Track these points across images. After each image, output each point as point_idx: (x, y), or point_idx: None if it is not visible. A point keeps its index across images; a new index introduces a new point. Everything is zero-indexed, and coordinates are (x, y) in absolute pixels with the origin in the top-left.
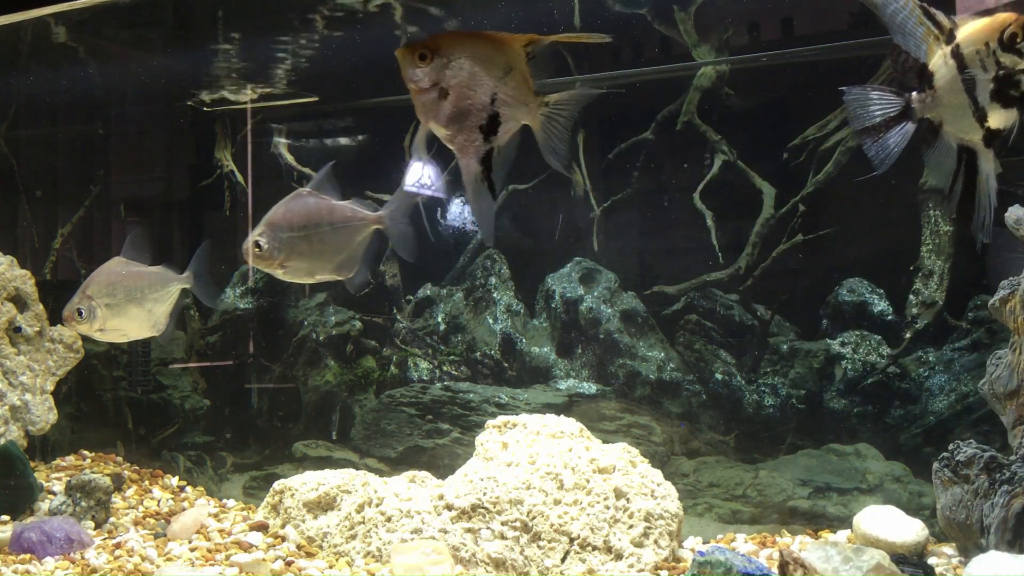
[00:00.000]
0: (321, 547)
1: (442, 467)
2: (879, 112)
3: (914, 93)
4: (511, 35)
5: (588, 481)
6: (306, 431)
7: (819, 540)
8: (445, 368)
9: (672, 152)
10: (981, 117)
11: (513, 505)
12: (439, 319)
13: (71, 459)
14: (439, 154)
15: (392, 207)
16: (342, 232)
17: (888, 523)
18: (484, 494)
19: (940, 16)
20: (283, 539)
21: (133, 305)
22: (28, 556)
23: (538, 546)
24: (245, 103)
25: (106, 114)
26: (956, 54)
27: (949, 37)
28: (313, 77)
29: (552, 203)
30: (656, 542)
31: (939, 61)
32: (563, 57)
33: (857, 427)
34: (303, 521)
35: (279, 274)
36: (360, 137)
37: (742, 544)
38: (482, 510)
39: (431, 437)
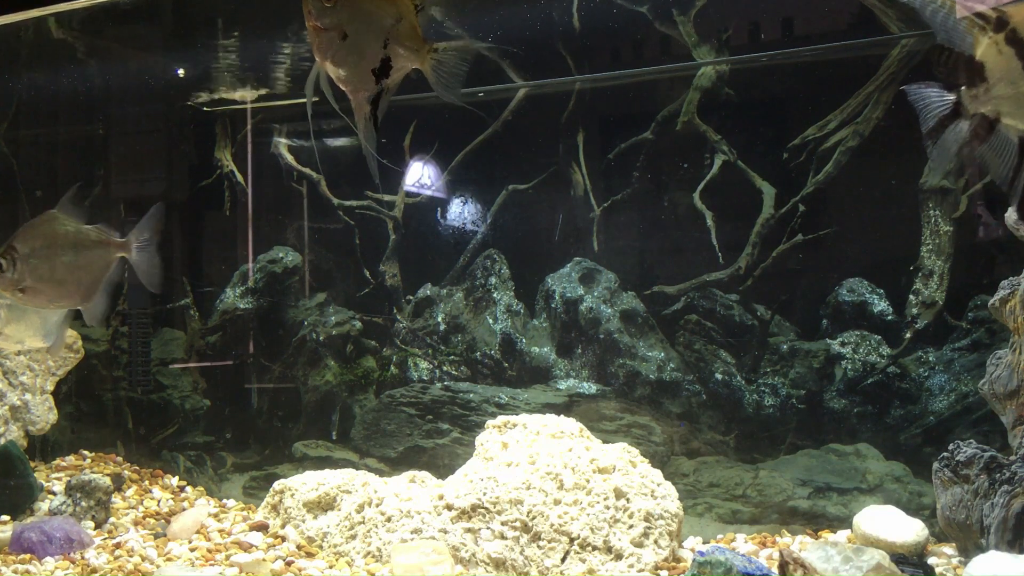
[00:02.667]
0: (321, 547)
1: (442, 467)
2: (935, 111)
3: (963, 88)
4: None
5: (588, 481)
6: (306, 431)
7: (819, 540)
8: (445, 368)
9: (672, 152)
10: None
11: (513, 505)
12: (439, 319)
13: (71, 459)
14: (437, 155)
15: (139, 233)
16: (85, 257)
17: (888, 523)
18: (484, 494)
19: (982, 6)
20: (283, 539)
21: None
22: (28, 556)
23: (538, 546)
24: (245, 103)
25: (106, 114)
26: (1014, 39)
27: (998, 25)
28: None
29: (552, 203)
30: (656, 542)
31: (990, 51)
32: (563, 57)
33: (857, 427)
34: (303, 521)
35: (18, 298)
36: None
37: (742, 544)
38: (482, 510)
39: (431, 437)
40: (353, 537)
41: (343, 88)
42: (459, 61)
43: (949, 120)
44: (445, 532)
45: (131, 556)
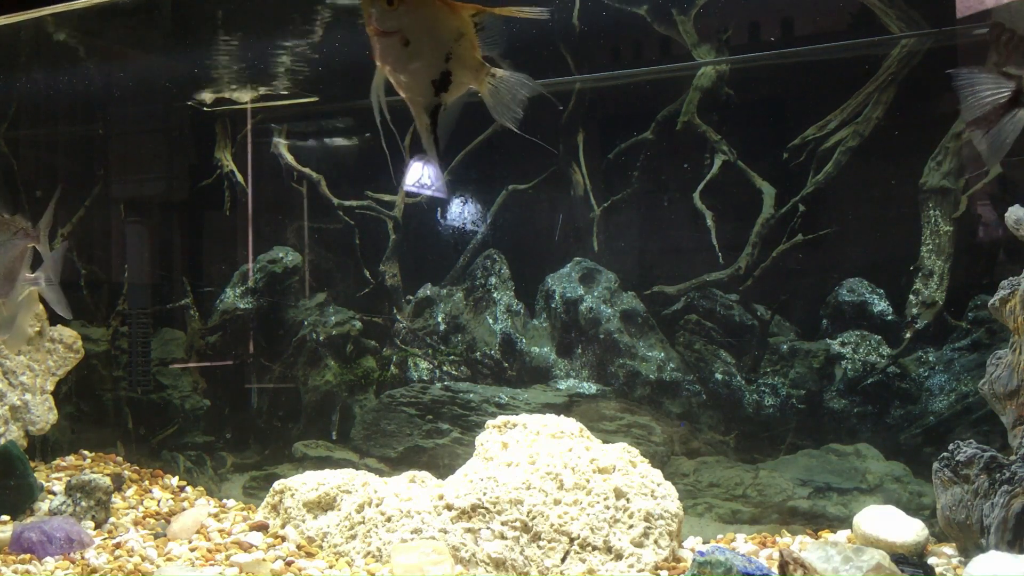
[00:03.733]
0: (321, 547)
1: (442, 467)
2: (989, 98)
3: None
4: (460, 3)
5: (588, 481)
6: (306, 431)
7: (819, 540)
8: (445, 368)
9: (672, 152)
10: None
11: (513, 505)
12: (439, 319)
13: (71, 459)
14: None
15: (46, 221)
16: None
17: (888, 523)
18: (484, 494)
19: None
20: (283, 539)
21: None
22: (28, 556)
23: (538, 546)
24: (245, 103)
25: (106, 114)
26: None
27: None
28: (313, 77)
29: (552, 203)
30: (656, 542)
31: None
32: (563, 57)
33: (857, 427)
34: (303, 521)
35: None
36: (360, 137)
37: (742, 544)
38: (482, 510)
39: (431, 437)
40: (353, 537)
41: (402, 94)
42: (517, 90)
43: (1007, 108)
44: (445, 532)
45: (131, 556)
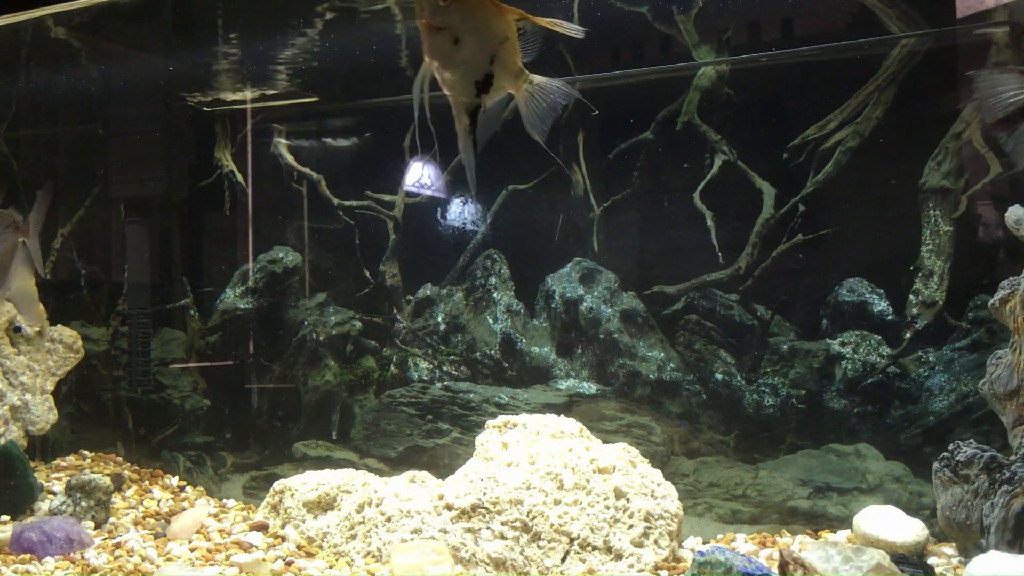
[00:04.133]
0: (321, 547)
1: (442, 467)
2: (1013, 98)
3: None
4: (507, 6)
5: (588, 481)
6: (306, 431)
7: (819, 540)
8: (445, 368)
9: (672, 152)
10: None
11: (513, 505)
12: (439, 319)
13: (71, 459)
14: (439, 155)
15: (37, 216)
16: None
17: (888, 523)
18: (484, 494)
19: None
20: (283, 539)
21: None
22: (28, 556)
23: (538, 546)
24: (245, 103)
25: (106, 114)
26: None
27: None
28: (313, 77)
29: (552, 203)
30: (656, 542)
31: None
32: (562, 56)
33: (857, 427)
34: (303, 521)
35: None
36: (360, 137)
37: (742, 544)
38: (482, 510)
39: (431, 437)
40: (353, 537)
41: (446, 91)
42: (555, 98)
43: None
44: (445, 532)
45: (131, 556)
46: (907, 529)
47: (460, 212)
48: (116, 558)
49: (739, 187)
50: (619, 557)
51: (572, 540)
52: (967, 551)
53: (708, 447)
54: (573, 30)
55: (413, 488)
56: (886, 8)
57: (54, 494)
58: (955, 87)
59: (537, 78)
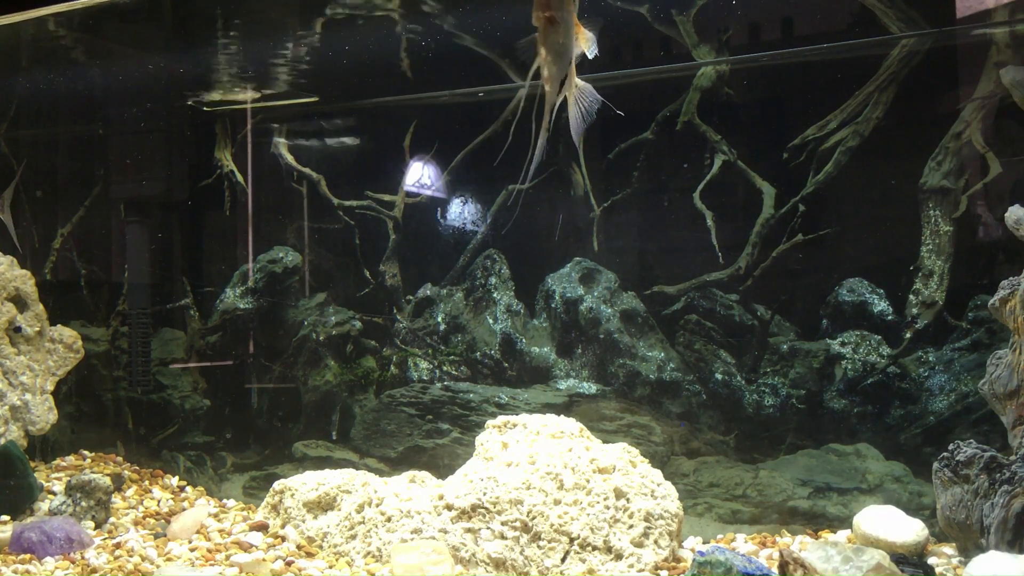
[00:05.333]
0: (321, 547)
1: (442, 467)
2: None
3: None
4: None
5: (588, 481)
6: (306, 431)
7: (819, 540)
8: (445, 368)
9: (672, 152)
10: None
11: (513, 505)
12: (439, 319)
13: (71, 459)
14: (437, 155)
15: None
16: None
17: (888, 523)
18: (484, 494)
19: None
20: (283, 539)
21: None
22: (28, 556)
23: (538, 546)
24: (245, 103)
25: (106, 114)
26: None
27: None
28: (313, 77)
29: (552, 203)
30: (656, 542)
31: None
32: None
33: (857, 427)
34: (303, 521)
35: None
36: (360, 137)
37: (742, 544)
38: (482, 510)
39: (431, 437)
40: (353, 537)
41: (544, 82)
42: (590, 104)
43: None
44: (445, 532)
45: (131, 556)
46: (907, 529)
47: (460, 212)
48: (116, 558)
49: (739, 187)
50: (619, 557)
51: (572, 540)
52: (967, 551)
53: (708, 447)
54: (591, 51)
55: (413, 488)
56: (886, 8)
57: (54, 494)
58: (955, 87)
59: (579, 80)
